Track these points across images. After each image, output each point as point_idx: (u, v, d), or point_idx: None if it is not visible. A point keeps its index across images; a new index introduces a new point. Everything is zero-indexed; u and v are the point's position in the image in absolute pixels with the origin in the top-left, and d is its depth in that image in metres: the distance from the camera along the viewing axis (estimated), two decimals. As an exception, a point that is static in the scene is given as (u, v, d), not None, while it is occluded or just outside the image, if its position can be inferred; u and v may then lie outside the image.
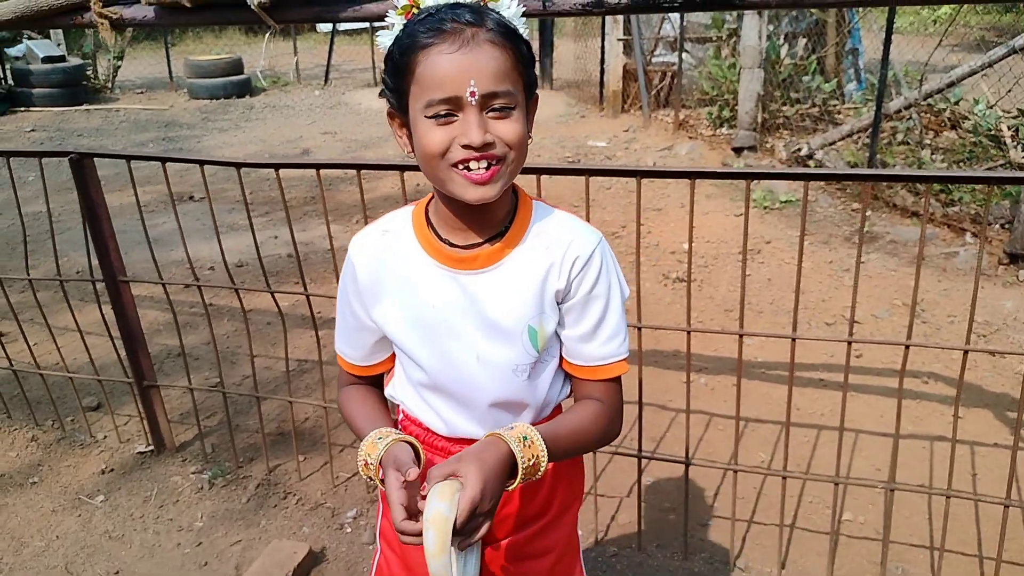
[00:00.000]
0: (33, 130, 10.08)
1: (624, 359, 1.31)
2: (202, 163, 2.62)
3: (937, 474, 2.95)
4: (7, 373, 3.49)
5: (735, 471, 2.44)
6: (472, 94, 1.11)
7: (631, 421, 3.26)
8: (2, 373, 3.51)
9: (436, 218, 1.29)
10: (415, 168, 1.37)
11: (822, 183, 6.29)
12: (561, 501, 1.40)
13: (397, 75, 1.17)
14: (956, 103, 6.63)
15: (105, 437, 3.35)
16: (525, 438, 1.18)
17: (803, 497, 2.86)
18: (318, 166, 2.43)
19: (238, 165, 2.54)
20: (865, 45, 8.58)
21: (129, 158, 2.74)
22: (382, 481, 1.22)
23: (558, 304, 1.28)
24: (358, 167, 2.38)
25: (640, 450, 2.52)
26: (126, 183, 2.87)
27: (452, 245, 1.26)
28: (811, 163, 6.54)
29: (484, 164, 1.14)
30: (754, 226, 5.50)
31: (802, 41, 8.17)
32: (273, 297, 2.82)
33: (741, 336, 2.26)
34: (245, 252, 5.13)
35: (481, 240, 1.26)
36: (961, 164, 6.05)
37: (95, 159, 2.79)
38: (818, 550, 2.61)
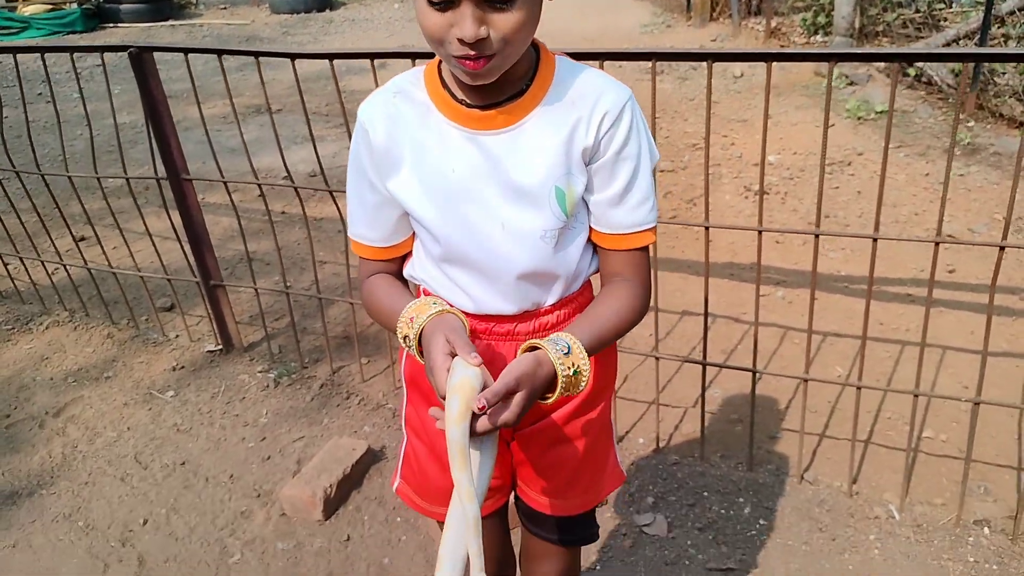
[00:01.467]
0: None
1: (652, 228, 1.22)
2: (257, 55, 2.57)
3: (1030, 394, 2.76)
4: (85, 275, 3.58)
5: (806, 380, 2.31)
6: None
7: (699, 330, 3.16)
8: (80, 275, 3.60)
9: (450, 78, 1.18)
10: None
11: (922, 92, 5.88)
12: (595, 384, 1.31)
13: None
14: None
15: (177, 336, 3.41)
16: (576, 372, 1.10)
17: (880, 413, 2.72)
18: (372, 55, 2.34)
19: (292, 56, 2.48)
20: (979, -56, 7.90)
21: (186, 51, 2.71)
22: (419, 352, 1.15)
23: (586, 164, 1.17)
24: (415, 55, 2.27)
25: (705, 357, 2.41)
26: (207, 95, 2.85)
27: (469, 105, 1.16)
28: (911, 71, 6.11)
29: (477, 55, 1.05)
30: (846, 137, 5.19)
31: (908, -60, 7.56)
32: (332, 197, 2.77)
33: (817, 236, 2.11)
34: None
35: (500, 99, 1.15)
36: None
37: (161, 54, 2.77)
38: (893, 467, 2.47)
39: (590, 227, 1.23)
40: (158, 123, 2.82)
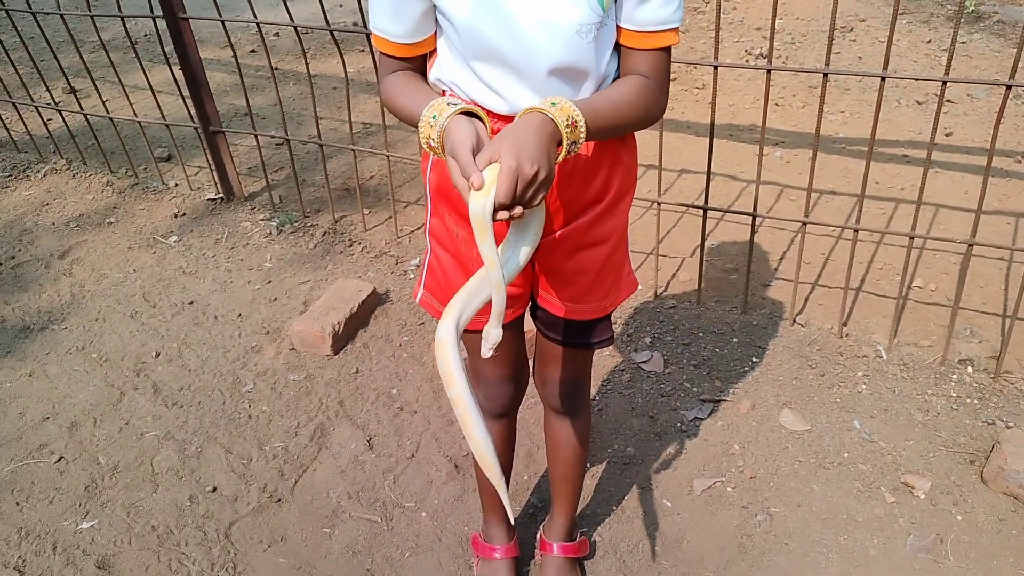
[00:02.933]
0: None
1: (676, 28, 1.21)
2: None
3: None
4: (80, 125, 3.54)
5: (804, 224, 2.35)
6: None
7: (697, 187, 3.19)
8: (76, 124, 3.56)
9: None
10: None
11: (930, -40, 5.74)
12: (617, 188, 1.33)
13: None
14: None
15: (176, 185, 3.41)
16: (553, 104, 1.11)
17: (873, 264, 2.78)
18: None
19: None
20: None
21: None
22: (442, 149, 1.17)
23: None
24: None
25: (707, 202, 2.45)
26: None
27: None
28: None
29: None
30: (849, 4, 5.10)
31: None
32: (332, 36, 2.73)
33: (825, 75, 2.11)
34: (311, 20, 5.00)
35: None
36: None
37: None
38: (883, 312, 2.56)
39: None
40: (153, -41, 2.74)
